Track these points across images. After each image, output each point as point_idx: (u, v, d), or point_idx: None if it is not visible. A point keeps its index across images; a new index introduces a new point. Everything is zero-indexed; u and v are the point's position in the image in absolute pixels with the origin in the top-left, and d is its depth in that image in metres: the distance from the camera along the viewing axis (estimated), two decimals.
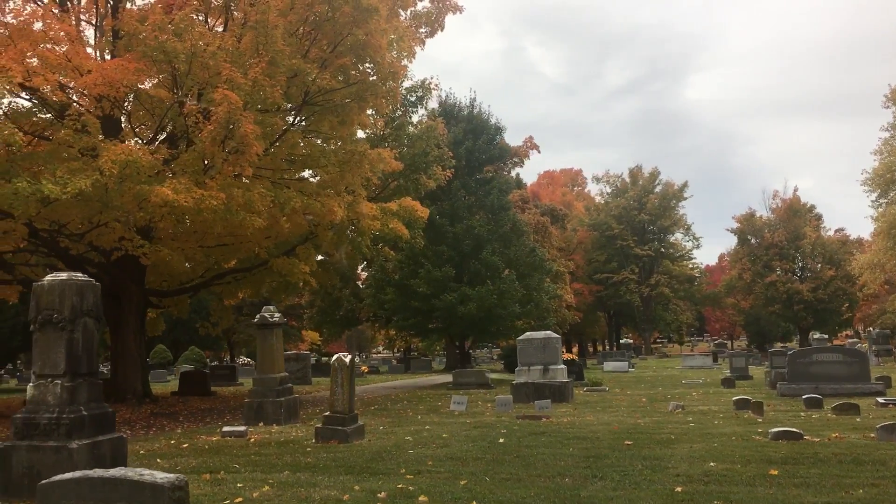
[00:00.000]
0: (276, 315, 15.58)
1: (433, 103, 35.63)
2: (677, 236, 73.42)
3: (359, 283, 45.68)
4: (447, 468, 8.84)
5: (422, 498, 7.10)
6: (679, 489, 7.33)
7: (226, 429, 13.08)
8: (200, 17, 18.99)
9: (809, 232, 62.15)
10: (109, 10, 19.04)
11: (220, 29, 19.57)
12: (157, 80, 18.16)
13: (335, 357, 11.89)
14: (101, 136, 16.54)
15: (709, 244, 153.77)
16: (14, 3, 16.93)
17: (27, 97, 18.09)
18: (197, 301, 33.35)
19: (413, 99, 29.30)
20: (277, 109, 18.00)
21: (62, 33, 16.49)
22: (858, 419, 13.28)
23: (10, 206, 14.54)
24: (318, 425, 11.75)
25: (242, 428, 13.07)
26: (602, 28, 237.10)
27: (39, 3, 18.36)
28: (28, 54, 15.68)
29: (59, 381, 7.51)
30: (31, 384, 7.71)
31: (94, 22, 19.60)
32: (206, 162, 16.88)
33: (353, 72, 18.82)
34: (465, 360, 40.86)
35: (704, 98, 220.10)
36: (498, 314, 33.02)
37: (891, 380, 21.18)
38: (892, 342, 44.97)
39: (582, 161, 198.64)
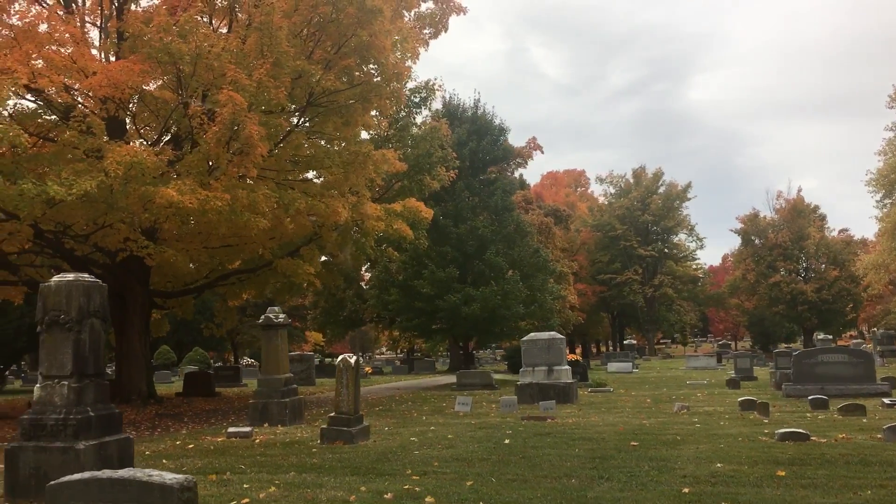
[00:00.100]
0: (281, 316, 15.58)
1: (437, 104, 35.67)
2: (681, 237, 73.51)
3: (362, 283, 45.71)
4: (453, 469, 8.82)
5: (428, 499, 7.09)
6: (686, 490, 7.31)
7: (231, 429, 13.09)
8: (205, 19, 19.05)
9: (813, 232, 62.05)
10: (114, 12, 19.07)
11: (224, 30, 19.63)
12: (161, 81, 18.19)
13: (340, 358, 11.88)
14: (105, 138, 16.59)
15: (712, 245, 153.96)
16: (19, 4, 16.95)
17: (32, 99, 18.13)
18: (201, 302, 33.39)
19: (417, 100, 29.33)
20: (282, 110, 18.02)
21: (67, 35, 16.54)
22: (865, 420, 13.23)
23: (16, 208, 14.58)
24: (324, 426, 11.74)
25: (247, 429, 13.07)
26: (605, 29, 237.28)
27: (44, 4, 18.39)
28: (33, 56, 15.70)
29: (65, 382, 7.52)
30: (37, 385, 7.71)
31: (98, 24, 19.63)
32: (210, 163, 16.91)
33: (357, 73, 18.84)
34: (469, 360, 40.87)
35: (708, 98, 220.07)
36: (502, 315, 33.01)
37: None
38: None
39: (585, 162, 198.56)
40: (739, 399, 16.31)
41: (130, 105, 18.77)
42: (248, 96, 15.65)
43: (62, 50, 16.49)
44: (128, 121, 19.71)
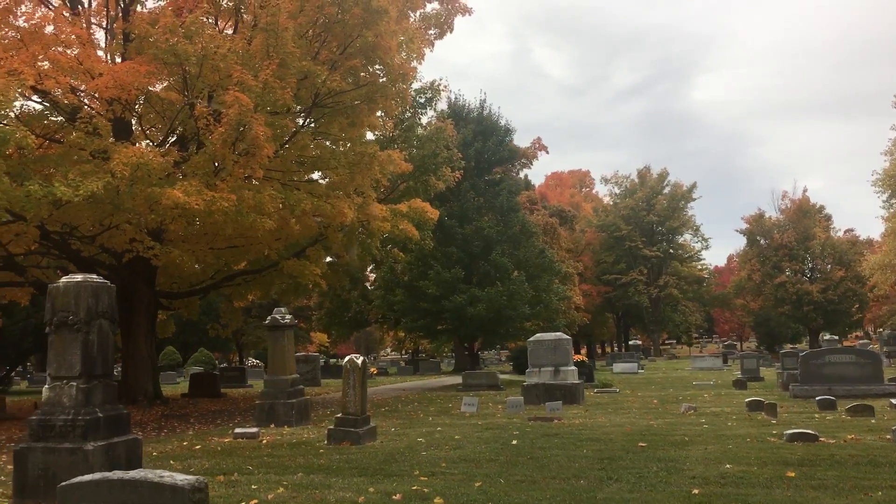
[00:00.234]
0: (288, 317, 15.59)
1: (442, 105, 35.68)
2: (686, 237, 73.35)
3: (367, 284, 45.70)
4: (461, 470, 8.81)
5: (437, 500, 7.08)
6: (696, 491, 7.29)
7: (238, 430, 13.09)
8: (210, 20, 19.03)
9: (819, 233, 61.84)
10: (120, 14, 19.09)
11: (229, 31, 19.62)
12: (167, 82, 18.22)
13: (347, 359, 11.88)
14: (112, 139, 16.64)
15: (717, 245, 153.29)
16: (25, 6, 16.98)
17: (39, 100, 18.17)
18: (207, 303, 33.41)
19: (422, 100, 29.29)
20: (287, 111, 18.02)
21: (73, 36, 16.56)
22: (873, 421, 13.19)
23: (23, 209, 14.59)
24: (331, 427, 11.73)
25: (254, 429, 13.07)
26: (609, 29, 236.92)
27: (50, 6, 18.43)
28: (39, 57, 15.73)
29: (74, 383, 7.52)
30: (46, 386, 7.72)
31: (104, 25, 19.65)
32: (216, 164, 16.91)
33: (362, 73, 18.85)
34: (474, 361, 40.81)
35: (712, 99, 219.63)
36: (507, 315, 32.96)
37: None
38: None
39: (589, 162, 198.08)
40: (746, 400, 16.27)
41: (136, 106, 18.78)
42: (254, 97, 15.65)
43: (68, 51, 16.51)
44: (134, 122, 19.73)
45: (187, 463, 9.90)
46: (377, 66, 18.98)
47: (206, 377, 26.68)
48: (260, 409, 15.10)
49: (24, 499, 7.36)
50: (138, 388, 20.62)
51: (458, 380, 29.70)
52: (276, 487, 7.79)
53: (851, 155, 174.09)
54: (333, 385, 31.03)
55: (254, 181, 17.64)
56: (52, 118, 18.81)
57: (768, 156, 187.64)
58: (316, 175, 21.82)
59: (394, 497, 7.23)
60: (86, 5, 19.69)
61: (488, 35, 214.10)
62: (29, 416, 7.76)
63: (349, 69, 18.25)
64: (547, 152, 53.49)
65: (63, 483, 4.48)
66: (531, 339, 20.58)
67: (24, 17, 16.77)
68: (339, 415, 11.77)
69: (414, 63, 20.82)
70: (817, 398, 15.93)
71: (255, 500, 7.21)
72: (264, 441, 12.23)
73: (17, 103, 16.39)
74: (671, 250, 70.34)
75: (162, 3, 18.97)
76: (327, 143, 21.06)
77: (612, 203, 73.72)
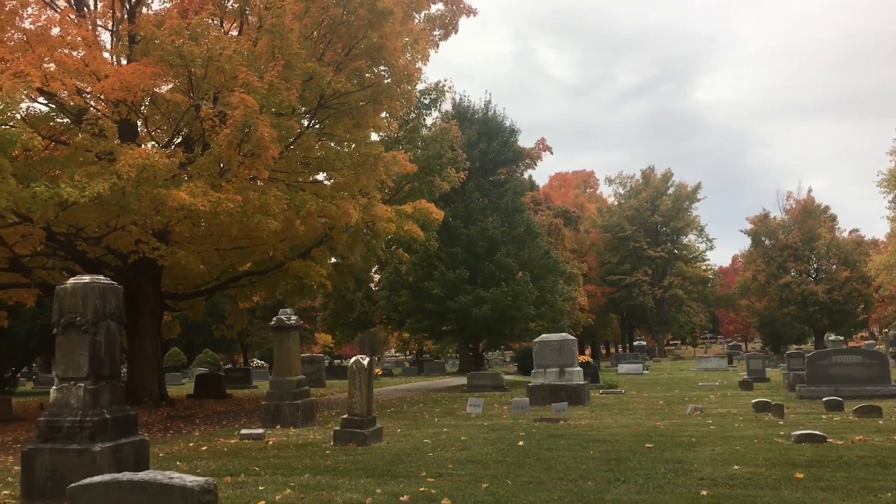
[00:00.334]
0: (293, 318, 15.58)
1: (447, 105, 35.73)
2: (690, 238, 73.36)
3: (372, 285, 45.73)
4: (468, 471, 8.80)
5: (445, 501, 7.06)
6: (704, 493, 7.26)
7: (243, 431, 13.09)
8: (216, 22, 19.07)
9: (824, 233, 61.81)
10: (125, 15, 19.12)
11: (234, 33, 19.65)
12: (173, 84, 18.22)
13: (353, 360, 11.88)
14: (117, 140, 16.66)
15: (722, 245, 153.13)
16: (31, 8, 17.01)
17: (45, 102, 18.21)
18: (212, 304, 33.44)
19: (427, 101, 29.34)
20: (293, 112, 18.04)
21: (79, 38, 16.59)
22: (881, 421, 13.14)
23: (29, 210, 14.62)
24: (337, 428, 11.72)
25: (260, 430, 13.07)
26: (613, 30, 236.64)
27: (56, 8, 18.46)
28: (45, 59, 15.74)
29: (81, 384, 7.53)
30: (53, 387, 7.72)
31: (110, 27, 19.69)
32: (221, 165, 16.93)
33: (367, 74, 18.84)
34: (479, 362, 40.84)
35: (716, 99, 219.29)
36: (512, 316, 32.97)
37: None
38: None
39: (593, 163, 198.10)
40: (753, 401, 16.23)
41: (142, 108, 18.83)
42: (260, 98, 15.66)
43: (74, 53, 16.54)
44: (139, 123, 19.76)
45: (194, 464, 9.90)
46: (382, 68, 18.99)
47: (211, 378, 26.71)
48: (266, 409, 15.10)
49: (31, 500, 7.36)
50: (144, 389, 20.65)
51: (462, 380, 29.69)
52: (283, 489, 7.79)
53: (856, 155, 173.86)
54: (338, 386, 31.03)
55: (259, 182, 17.65)
56: (58, 120, 18.87)
57: (772, 156, 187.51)
58: (321, 176, 21.85)
59: (401, 498, 7.22)
60: (91, 7, 19.74)
61: (492, 36, 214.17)
62: (35, 417, 7.78)
63: (354, 70, 18.26)
64: (551, 153, 53.36)
65: (72, 484, 4.48)
66: (536, 339, 20.55)
67: (30, 20, 16.81)
68: (344, 416, 11.76)
69: (419, 64, 20.87)
70: (824, 399, 15.88)
71: (263, 502, 7.21)
72: (270, 442, 12.23)
73: (24, 105, 16.44)
74: (676, 251, 70.33)
75: (167, 5, 19.01)
76: (332, 144, 21.06)
77: (616, 203, 73.74)
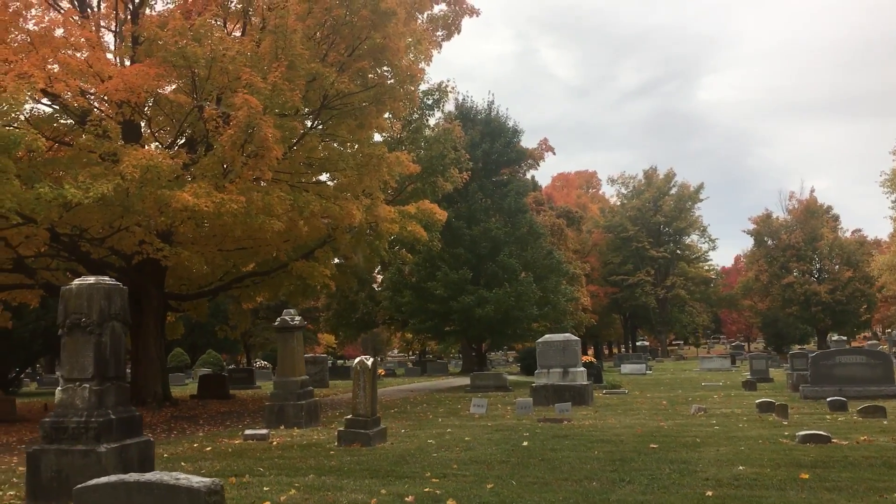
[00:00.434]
0: (297, 318, 15.60)
1: (450, 106, 35.72)
2: (693, 238, 73.29)
3: (375, 286, 45.73)
4: (472, 472, 8.79)
5: (450, 502, 7.06)
6: (709, 493, 7.25)
7: (247, 432, 13.09)
8: (219, 23, 19.08)
9: (826, 233, 61.66)
10: (129, 16, 19.15)
11: (238, 34, 19.66)
12: (176, 84, 18.23)
13: (357, 360, 11.88)
14: (121, 141, 16.70)
15: (724, 246, 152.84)
16: (35, 10, 17.04)
17: (48, 103, 18.23)
18: (215, 304, 33.48)
19: (430, 102, 29.30)
20: (296, 113, 18.05)
21: (83, 39, 16.59)
22: (885, 422, 13.13)
23: (33, 211, 14.64)
24: (341, 428, 11.72)
25: (264, 431, 13.08)
26: (615, 30, 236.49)
27: (60, 10, 18.48)
28: (49, 60, 15.77)
29: (87, 385, 7.52)
30: (58, 388, 7.73)
31: (113, 28, 19.71)
32: (225, 166, 16.94)
33: (370, 75, 18.85)
34: (482, 362, 40.83)
35: (718, 99, 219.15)
36: (515, 316, 32.97)
37: None
38: None
39: (596, 163, 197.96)
40: (757, 401, 16.21)
41: (145, 108, 18.83)
42: (263, 99, 15.67)
43: (78, 54, 16.54)
44: (143, 124, 19.78)
45: (198, 465, 9.91)
46: (385, 68, 19.00)
47: (214, 378, 26.73)
48: (269, 410, 15.11)
49: (37, 501, 7.37)
50: (148, 389, 20.67)
51: (465, 381, 29.69)
52: (288, 489, 7.79)
53: (859, 155, 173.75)
54: (341, 386, 31.05)
55: (262, 183, 17.65)
56: (62, 121, 18.90)
57: (775, 156, 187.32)
58: (324, 177, 21.85)
59: (406, 499, 7.21)
60: (95, 8, 19.75)
61: (494, 36, 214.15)
62: (39, 417, 7.79)
63: (357, 71, 18.26)
64: (554, 153, 53.37)
65: (79, 485, 4.48)
66: (540, 340, 20.54)
67: (33, 21, 16.82)
68: (349, 416, 11.76)
69: (422, 64, 20.85)
70: (828, 399, 15.87)
71: (268, 502, 7.21)
72: (274, 442, 12.23)
73: (28, 106, 16.47)
74: (678, 251, 70.24)
75: (171, 6, 19.03)
76: (335, 145, 21.08)
77: (618, 204, 73.68)
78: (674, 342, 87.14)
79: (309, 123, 19.69)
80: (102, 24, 19.63)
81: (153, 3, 19.91)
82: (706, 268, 75.42)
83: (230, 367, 47.67)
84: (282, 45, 16.54)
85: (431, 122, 30.36)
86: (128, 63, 18.11)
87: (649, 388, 25.36)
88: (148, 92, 16.58)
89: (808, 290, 59.30)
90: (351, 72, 18.14)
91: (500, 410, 17.53)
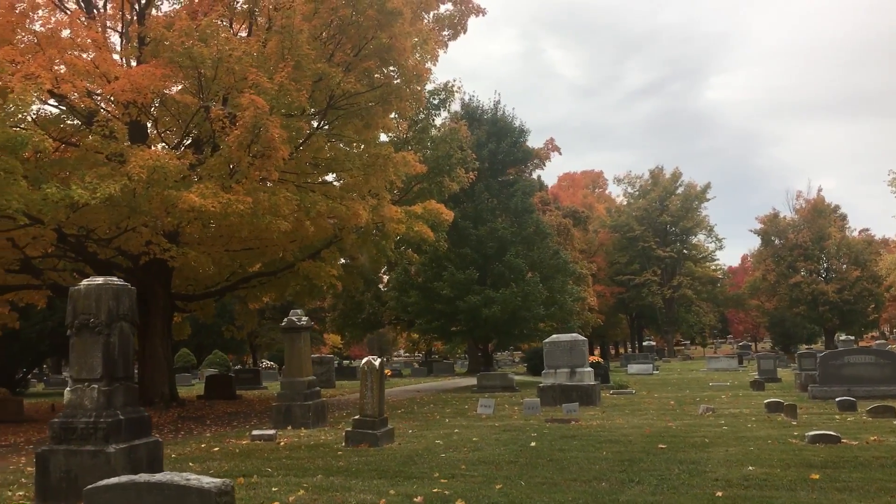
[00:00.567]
0: (304, 319, 15.59)
1: (456, 106, 35.71)
2: (700, 237, 73.15)
3: (381, 286, 45.73)
4: (481, 472, 8.77)
5: (459, 502, 7.04)
6: (719, 494, 7.22)
7: (255, 432, 13.09)
8: (225, 23, 19.09)
9: (834, 232, 61.52)
10: (135, 17, 19.18)
11: (244, 34, 19.67)
12: (182, 85, 18.25)
13: (365, 361, 11.86)
14: (127, 142, 16.70)
15: (731, 245, 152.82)
16: (42, 11, 17.08)
17: (55, 104, 18.27)
18: (221, 305, 33.50)
19: (436, 102, 29.27)
20: (302, 113, 18.03)
21: (89, 40, 16.64)
22: (895, 422, 13.06)
23: (40, 212, 14.68)
24: (348, 429, 11.71)
25: (271, 431, 13.07)
26: (621, 29, 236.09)
27: (66, 11, 18.52)
28: (56, 61, 15.82)
29: (95, 386, 7.53)
30: (67, 388, 7.73)
31: (119, 29, 19.74)
32: (231, 166, 16.95)
33: (377, 75, 18.84)
34: (488, 362, 40.81)
35: (726, 98, 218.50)
36: (522, 316, 32.93)
37: None
38: None
39: (602, 163, 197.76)
40: (765, 401, 16.15)
41: (152, 109, 18.86)
42: (270, 99, 15.67)
43: (84, 55, 16.59)
44: (149, 125, 19.81)
45: (206, 465, 9.90)
46: (391, 68, 18.98)
47: (221, 379, 26.76)
48: (277, 410, 15.10)
49: (46, 501, 7.37)
50: (155, 389, 20.69)
51: (472, 381, 29.66)
52: (296, 490, 7.78)
53: (866, 154, 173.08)
54: (348, 386, 31.05)
55: (269, 183, 17.66)
56: (69, 122, 18.94)
57: (782, 155, 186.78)
58: (330, 177, 21.85)
59: (415, 499, 7.19)
60: (101, 9, 19.79)
61: (500, 36, 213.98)
62: (46, 418, 7.80)
63: (364, 71, 18.25)
64: (560, 153, 53.17)
65: (90, 486, 4.47)
66: (547, 340, 20.50)
67: (40, 22, 16.89)
68: (356, 417, 11.75)
69: (428, 64, 20.80)
70: (837, 399, 15.80)
71: (277, 503, 7.20)
72: (282, 443, 12.22)
73: (34, 107, 16.49)
74: (685, 251, 70.17)
75: (177, 7, 19.06)
76: (342, 145, 21.06)
77: (625, 203, 73.61)
78: (680, 342, 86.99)
79: (315, 124, 19.70)
80: (108, 24, 19.66)
81: (159, 3, 19.97)
82: (713, 267, 75.31)
83: (236, 367, 47.77)
84: (288, 45, 16.54)
85: (438, 121, 30.35)
86: (134, 64, 18.14)
87: (656, 389, 25.29)
88: (154, 92, 16.59)
89: (815, 289, 59.16)
90: (357, 72, 18.13)
91: (507, 411, 17.50)
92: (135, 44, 18.53)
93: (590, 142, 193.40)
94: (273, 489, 7.87)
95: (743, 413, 15.53)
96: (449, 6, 23.26)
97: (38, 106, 17.40)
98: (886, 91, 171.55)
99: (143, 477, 4.38)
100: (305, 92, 16.80)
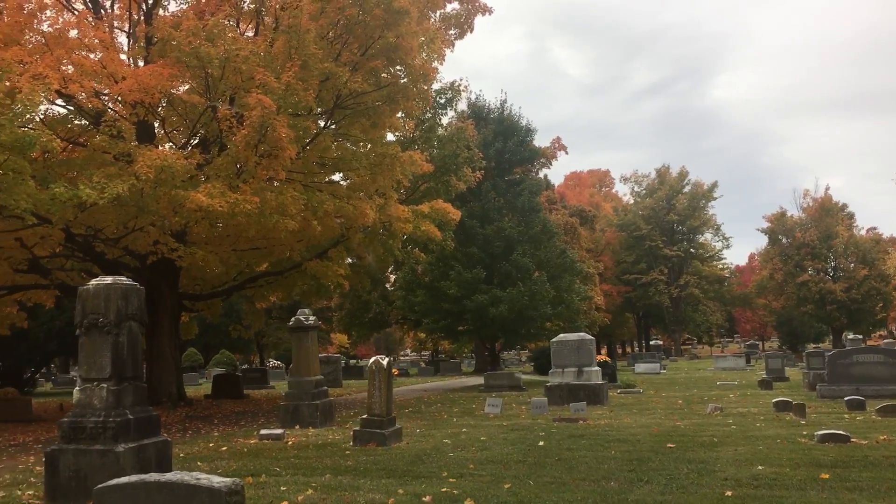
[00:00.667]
0: (312, 318, 15.60)
1: (462, 105, 35.66)
2: (707, 236, 72.87)
3: (388, 285, 45.72)
4: (489, 472, 8.76)
5: (467, 502, 7.03)
6: (729, 493, 7.19)
7: (263, 432, 13.10)
8: (232, 23, 19.11)
9: (842, 231, 61.19)
10: (142, 17, 19.22)
11: (251, 34, 19.70)
12: (190, 85, 18.29)
13: (372, 360, 11.86)
14: (135, 142, 16.74)
15: (738, 244, 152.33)
16: (50, 11, 17.13)
17: (63, 104, 18.32)
18: (228, 304, 33.56)
19: (443, 101, 29.28)
20: (309, 113, 18.04)
21: (96, 40, 16.67)
22: None
23: (48, 211, 14.71)
24: (356, 428, 11.71)
25: (279, 431, 13.08)
26: (628, 28, 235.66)
27: (74, 11, 18.57)
28: (64, 61, 15.86)
29: (104, 385, 7.55)
30: (76, 388, 7.75)
31: (126, 29, 19.78)
32: (238, 166, 16.97)
33: (383, 74, 18.84)
34: (495, 362, 40.74)
35: (732, 97, 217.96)
36: (529, 316, 32.86)
37: None
38: None
39: (609, 162, 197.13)
40: (774, 400, 16.10)
41: (159, 109, 18.89)
42: (277, 99, 15.68)
43: (92, 55, 16.62)
44: (157, 125, 19.84)
45: (214, 464, 9.91)
46: (398, 67, 18.98)
47: (228, 378, 26.78)
48: (284, 410, 15.11)
49: (55, 500, 7.39)
50: (162, 389, 20.73)
51: (479, 380, 29.63)
52: (305, 489, 7.78)
53: (874, 152, 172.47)
54: (355, 386, 31.07)
55: (276, 183, 17.68)
56: (77, 122, 19.00)
57: (789, 154, 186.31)
58: (337, 176, 21.86)
59: (424, 499, 7.19)
60: (108, 9, 19.83)
61: (506, 35, 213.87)
62: (54, 417, 7.83)
63: (370, 70, 18.24)
64: (566, 152, 53.23)
65: (100, 485, 4.48)
66: (554, 339, 20.47)
67: (48, 22, 16.94)
68: (364, 416, 11.75)
69: (435, 63, 20.79)
70: (846, 398, 15.73)
71: (286, 502, 7.20)
72: (290, 442, 12.23)
73: (42, 107, 16.56)
74: (692, 250, 69.93)
75: (184, 7, 19.08)
76: (349, 145, 21.09)
77: (631, 202, 73.44)
78: (687, 341, 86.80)
79: (322, 123, 19.69)
80: (116, 25, 19.70)
81: (166, 3, 19.98)
82: (720, 266, 75.06)
83: (244, 366, 47.82)
84: (295, 44, 16.55)
85: (444, 121, 30.38)
86: (141, 64, 18.17)
87: (664, 388, 25.23)
88: (161, 92, 16.62)
89: (823, 288, 58.88)
90: (364, 71, 18.12)
91: (514, 410, 17.48)
92: (142, 44, 18.57)
93: (596, 141, 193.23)
94: (282, 488, 7.87)
95: (751, 412, 15.48)
96: (455, 5, 23.27)
97: (46, 106, 17.47)
98: (894, 89, 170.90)
99: (153, 476, 4.39)
100: (312, 91, 16.81)
